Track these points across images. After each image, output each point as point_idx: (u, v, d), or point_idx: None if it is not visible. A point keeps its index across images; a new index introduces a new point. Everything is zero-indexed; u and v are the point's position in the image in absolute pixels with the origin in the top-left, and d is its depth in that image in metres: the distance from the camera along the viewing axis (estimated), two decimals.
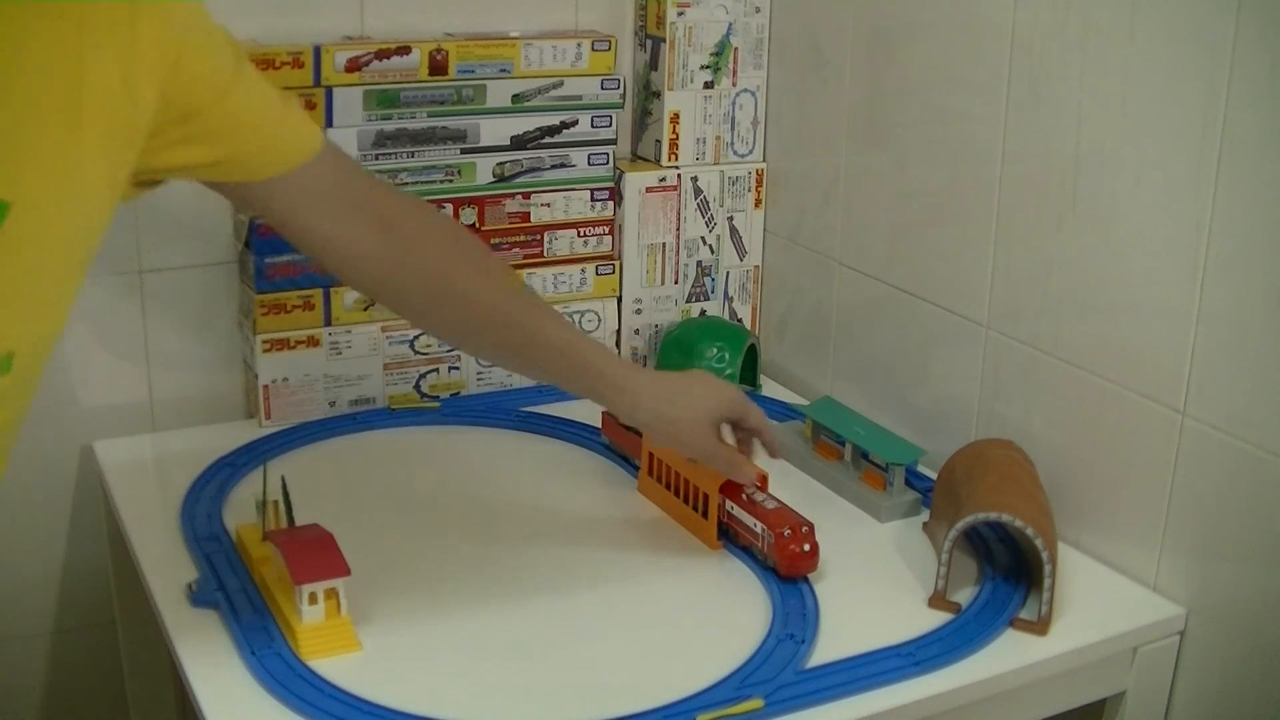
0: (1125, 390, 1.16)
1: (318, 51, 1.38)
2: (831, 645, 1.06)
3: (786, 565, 1.14)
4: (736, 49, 1.57)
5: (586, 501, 1.31)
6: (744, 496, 1.18)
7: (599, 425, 1.42)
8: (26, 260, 0.81)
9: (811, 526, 1.15)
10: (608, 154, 1.55)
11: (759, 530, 1.16)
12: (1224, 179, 1.05)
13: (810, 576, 1.15)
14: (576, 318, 1.56)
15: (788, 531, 1.14)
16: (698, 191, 1.59)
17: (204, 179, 1.00)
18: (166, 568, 1.15)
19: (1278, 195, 1.01)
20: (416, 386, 1.51)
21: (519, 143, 1.50)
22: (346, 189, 1.07)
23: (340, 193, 1.06)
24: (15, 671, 1.47)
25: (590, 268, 1.56)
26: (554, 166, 1.52)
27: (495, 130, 1.48)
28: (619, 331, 1.60)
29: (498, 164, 1.49)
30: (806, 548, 1.14)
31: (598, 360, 1.13)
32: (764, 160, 1.62)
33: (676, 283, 1.62)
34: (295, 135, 1.02)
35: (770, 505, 1.17)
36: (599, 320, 1.58)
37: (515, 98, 1.48)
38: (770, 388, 1.61)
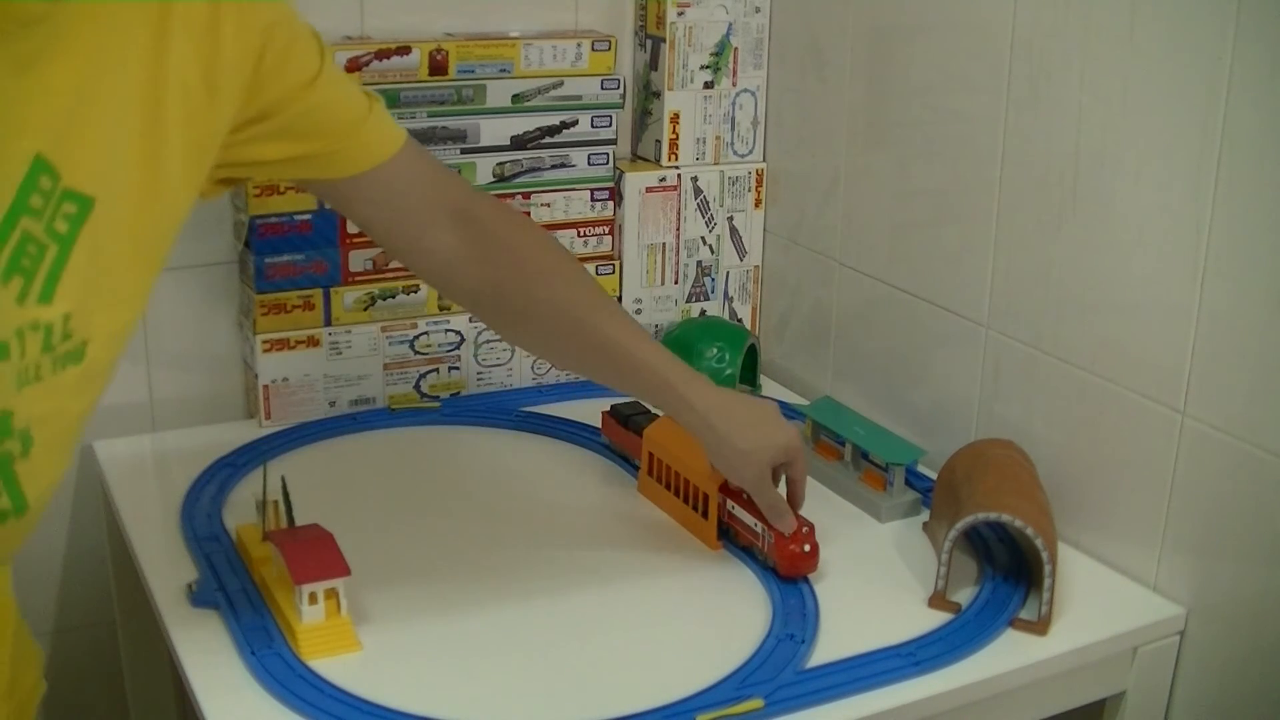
0: (1125, 390, 1.16)
1: None
2: (831, 645, 1.06)
3: (786, 565, 1.14)
4: (736, 49, 1.57)
5: (586, 501, 1.31)
6: (744, 497, 1.18)
7: (599, 425, 1.42)
8: (109, 255, 0.82)
9: (811, 527, 1.15)
10: (608, 154, 1.55)
11: (759, 530, 1.16)
12: (1224, 179, 1.05)
13: (810, 576, 1.15)
14: None
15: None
16: (698, 191, 1.59)
17: (285, 175, 1.01)
18: (166, 568, 1.15)
19: (1278, 195, 1.01)
20: (416, 386, 1.51)
21: (519, 143, 1.50)
22: (426, 188, 1.07)
23: (420, 191, 1.07)
24: None
25: (590, 268, 1.56)
26: (554, 166, 1.52)
27: (495, 130, 1.48)
28: None
29: (498, 164, 1.49)
30: (806, 548, 1.14)
31: (672, 375, 1.13)
32: (764, 160, 1.62)
33: (676, 283, 1.62)
34: (376, 134, 1.03)
35: None
36: None
37: (515, 98, 1.48)
38: (770, 388, 1.61)
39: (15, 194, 0.76)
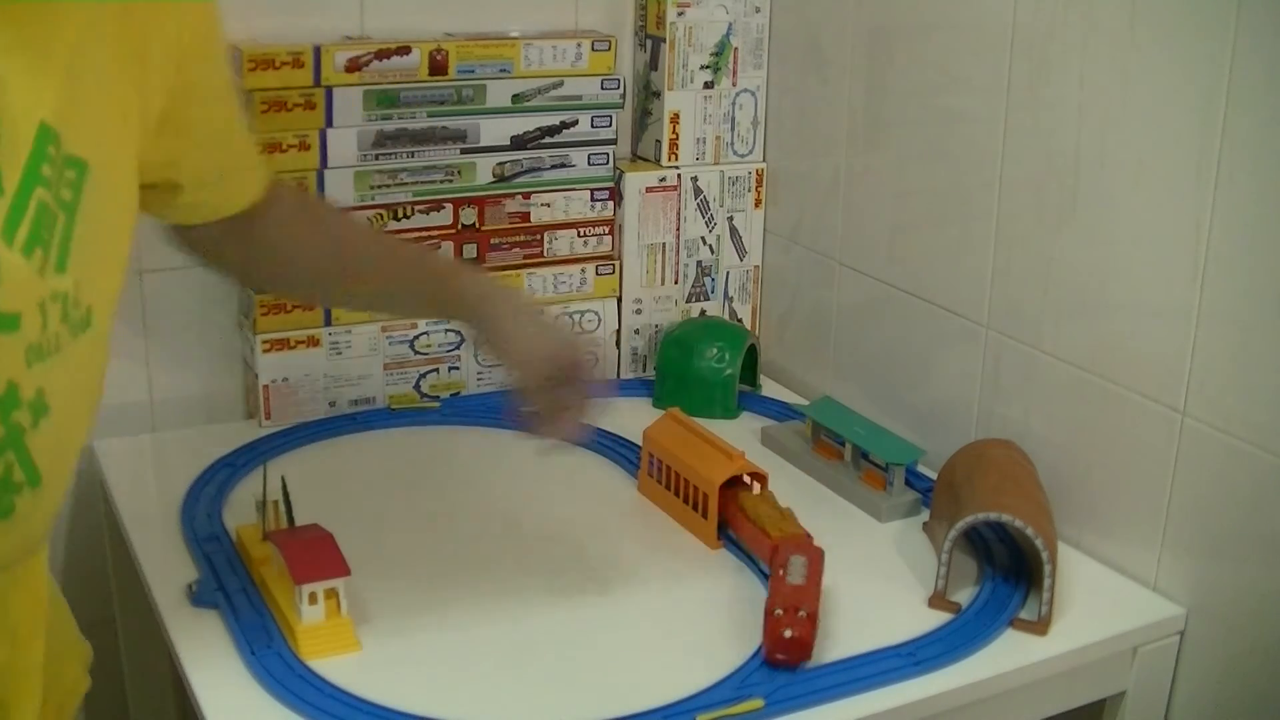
0: (1125, 390, 1.16)
1: (318, 51, 1.37)
2: (831, 645, 1.06)
3: (770, 646, 1.02)
4: (736, 49, 1.57)
5: (586, 501, 1.32)
6: (780, 571, 1.07)
7: (597, 425, 1.42)
8: (104, 218, 0.82)
9: (812, 613, 1.01)
10: (608, 154, 1.55)
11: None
12: (1224, 179, 1.05)
13: None
14: (576, 317, 1.56)
15: (779, 611, 1.01)
16: (698, 191, 1.59)
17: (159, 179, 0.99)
18: (166, 568, 1.15)
19: (1278, 195, 1.01)
20: (416, 386, 1.51)
21: (519, 143, 1.50)
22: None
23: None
24: None
25: (590, 268, 1.56)
26: (554, 166, 1.52)
27: (495, 130, 1.48)
28: (619, 332, 1.60)
29: (498, 164, 1.49)
30: (789, 633, 1.00)
31: (445, 269, 1.13)
32: (764, 160, 1.62)
33: (676, 283, 1.62)
34: (255, 176, 1.05)
35: (794, 580, 1.04)
36: (599, 320, 1.58)
37: (515, 98, 1.48)
38: (770, 388, 1.61)
39: (26, 163, 0.76)
